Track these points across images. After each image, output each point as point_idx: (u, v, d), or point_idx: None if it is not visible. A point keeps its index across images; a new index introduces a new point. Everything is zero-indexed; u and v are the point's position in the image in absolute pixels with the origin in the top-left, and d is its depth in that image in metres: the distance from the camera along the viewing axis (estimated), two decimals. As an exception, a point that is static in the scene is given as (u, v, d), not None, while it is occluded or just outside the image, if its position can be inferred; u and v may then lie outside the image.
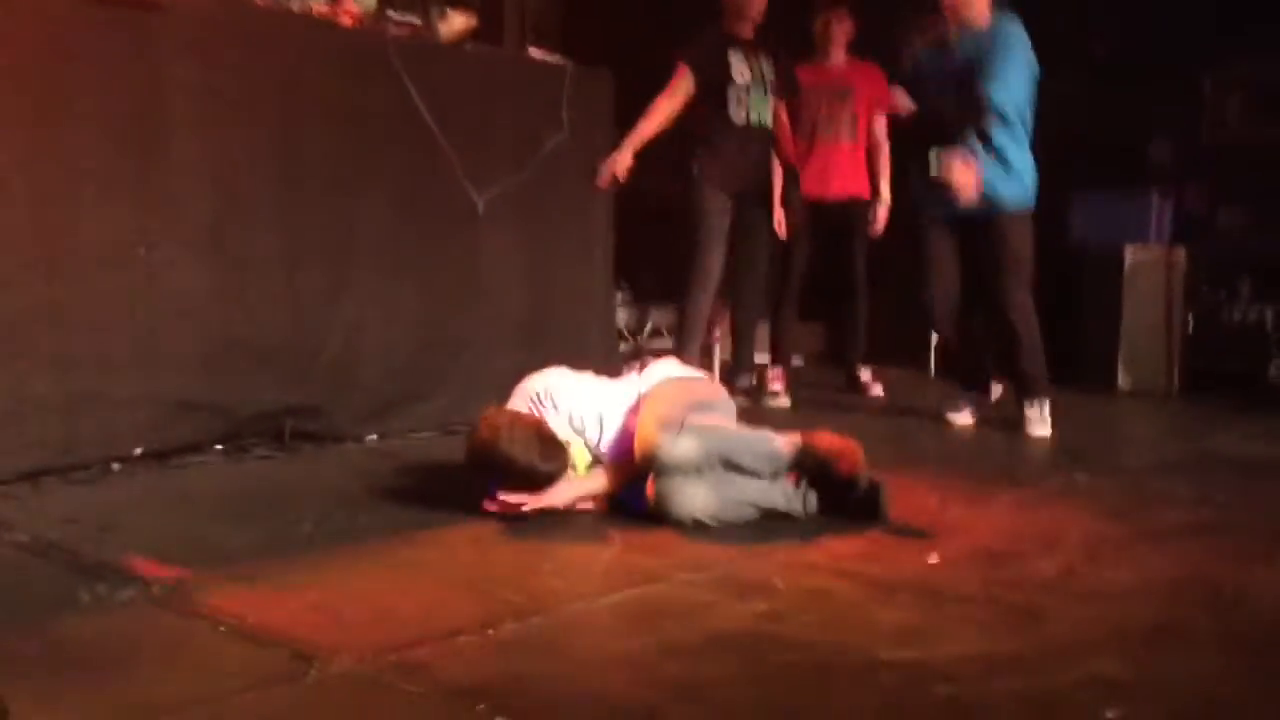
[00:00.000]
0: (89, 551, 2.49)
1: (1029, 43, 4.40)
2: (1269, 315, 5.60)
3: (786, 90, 5.05)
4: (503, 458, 2.80)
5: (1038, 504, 3.26)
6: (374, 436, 3.98)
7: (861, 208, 5.52)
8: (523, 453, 2.80)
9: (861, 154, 5.52)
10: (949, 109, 4.40)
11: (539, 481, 2.85)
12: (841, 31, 5.48)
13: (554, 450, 2.88)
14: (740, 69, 4.82)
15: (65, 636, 2.00)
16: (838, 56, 5.52)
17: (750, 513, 2.90)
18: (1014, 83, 4.33)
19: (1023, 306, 4.49)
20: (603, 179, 4.64)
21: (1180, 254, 5.80)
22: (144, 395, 3.44)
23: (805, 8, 5.57)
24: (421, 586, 2.34)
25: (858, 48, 5.49)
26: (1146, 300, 5.77)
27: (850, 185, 5.50)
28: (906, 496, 3.10)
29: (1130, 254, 5.81)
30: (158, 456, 3.45)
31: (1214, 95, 6.12)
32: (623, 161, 4.62)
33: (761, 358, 5.51)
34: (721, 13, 4.92)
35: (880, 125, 5.52)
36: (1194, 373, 5.70)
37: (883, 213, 5.50)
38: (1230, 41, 5.94)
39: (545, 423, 2.97)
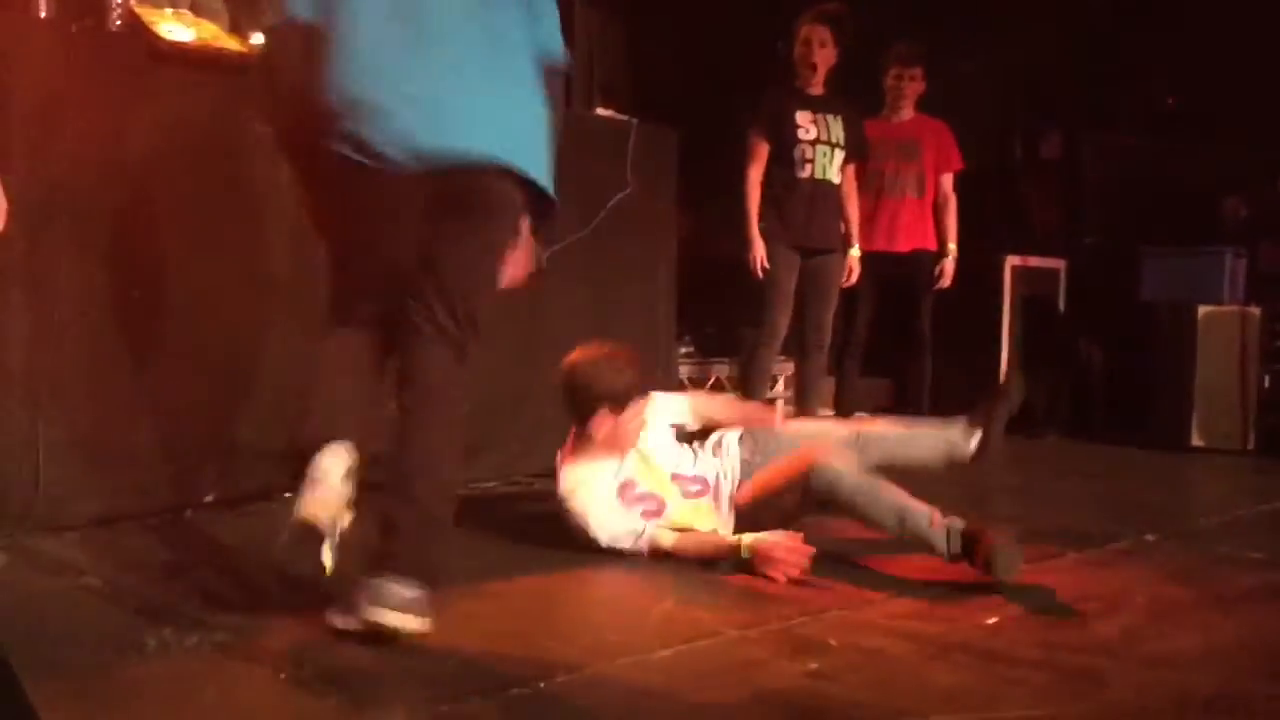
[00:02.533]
0: (157, 597, 2.56)
1: None
2: (1347, 373, 5.47)
3: (856, 152, 5.07)
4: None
5: (1103, 564, 3.21)
6: (438, 486, 4.03)
7: (927, 261, 5.50)
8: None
9: (928, 209, 5.52)
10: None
11: (620, 397, 3.15)
12: (912, 88, 5.49)
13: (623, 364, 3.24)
14: (806, 126, 4.86)
15: (129, 680, 2.06)
16: (907, 112, 5.53)
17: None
18: None
19: None
20: (755, 274, 4.80)
21: (1255, 312, 5.69)
22: (216, 442, 3.53)
23: (878, 62, 5.59)
24: (477, 638, 2.36)
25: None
26: (1220, 358, 5.66)
27: (916, 239, 5.49)
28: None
29: (1203, 311, 5.72)
30: (229, 503, 3.54)
31: (1290, 150, 6.03)
32: (759, 252, 4.78)
33: (826, 412, 5.49)
34: (792, 70, 4.98)
35: (948, 181, 5.52)
36: (1269, 431, 5.57)
37: (950, 266, 5.48)
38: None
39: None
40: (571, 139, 4.47)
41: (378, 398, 2.69)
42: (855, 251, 5.21)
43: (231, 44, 3.60)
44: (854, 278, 5.20)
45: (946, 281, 5.49)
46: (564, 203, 4.34)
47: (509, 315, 4.30)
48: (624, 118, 4.77)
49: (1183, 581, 2.99)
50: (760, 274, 4.82)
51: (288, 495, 3.63)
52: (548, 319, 4.42)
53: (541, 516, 3.64)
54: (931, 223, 5.54)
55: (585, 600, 2.67)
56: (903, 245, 5.46)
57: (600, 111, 4.84)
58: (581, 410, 3.26)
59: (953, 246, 5.49)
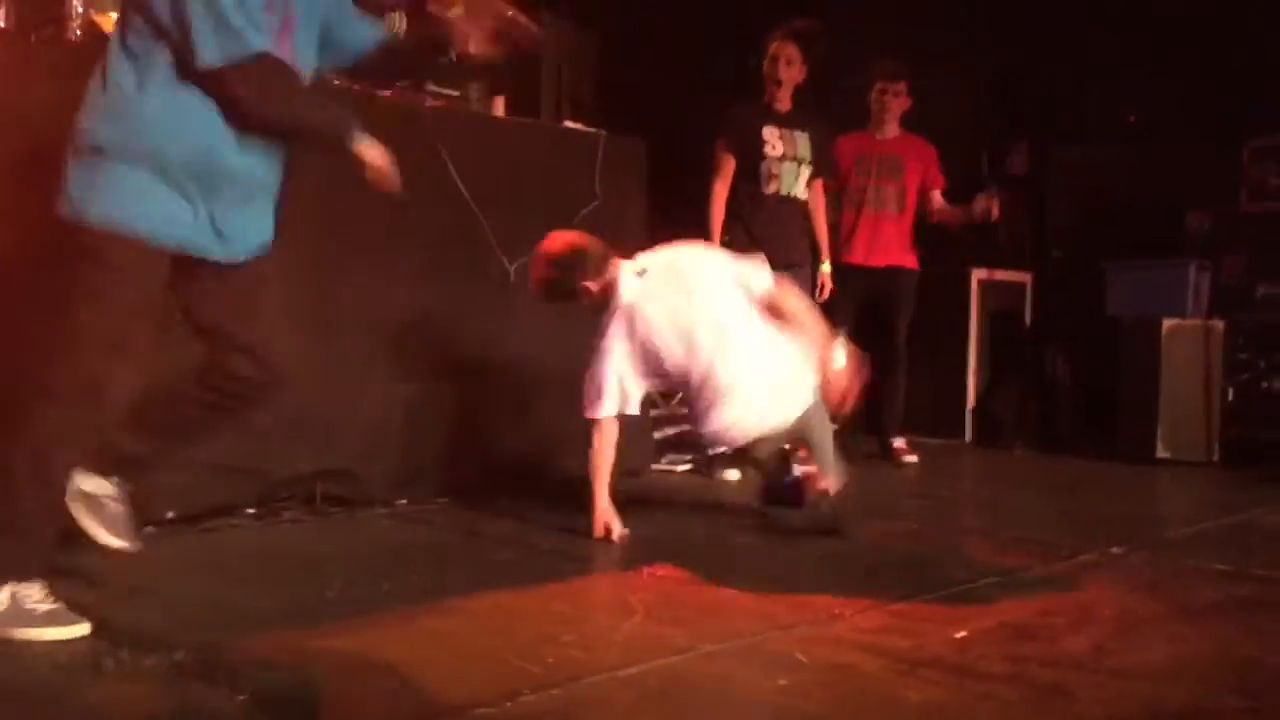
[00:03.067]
0: (115, 616, 2.50)
1: None
2: (1310, 386, 5.52)
3: (823, 169, 5.09)
4: None
5: (1071, 577, 3.20)
6: (404, 501, 3.99)
7: (906, 278, 5.52)
8: None
9: (908, 226, 5.55)
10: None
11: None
12: (897, 104, 5.54)
13: None
14: (773, 142, 4.88)
15: (85, 703, 2.01)
16: (892, 128, 5.58)
17: None
18: None
19: None
20: None
21: (1218, 325, 5.74)
22: (178, 459, 3.46)
23: (856, 78, 5.62)
24: (442, 656, 2.33)
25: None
26: (1184, 370, 5.72)
27: (895, 255, 5.52)
28: (935, 567, 3.06)
29: (1167, 324, 5.77)
30: (190, 520, 3.48)
31: (1252, 164, 6.09)
32: None
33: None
34: (760, 85, 4.99)
35: (938, 198, 5.55)
36: (1233, 443, 5.61)
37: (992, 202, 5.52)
38: (1269, 109, 5.93)
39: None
40: (539, 150, 4.50)
41: None
42: (826, 267, 5.22)
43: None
44: (826, 293, 5.21)
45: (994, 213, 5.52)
46: (532, 214, 4.36)
47: (477, 328, 4.28)
48: (592, 129, 4.76)
49: (1150, 594, 3.00)
50: None
51: (250, 511, 3.62)
52: (515, 332, 4.39)
53: (507, 535, 3.62)
54: (911, 240, 5.57)
55: (550, 617, 2.64)
56: (880, 260, 5.49)
57: (568, 124, 4.83)
58: None
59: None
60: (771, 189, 4.88)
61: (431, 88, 4.26)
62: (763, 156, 4.86)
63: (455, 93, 4.35)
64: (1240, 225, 6.01)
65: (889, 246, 5.52)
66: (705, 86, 6.07)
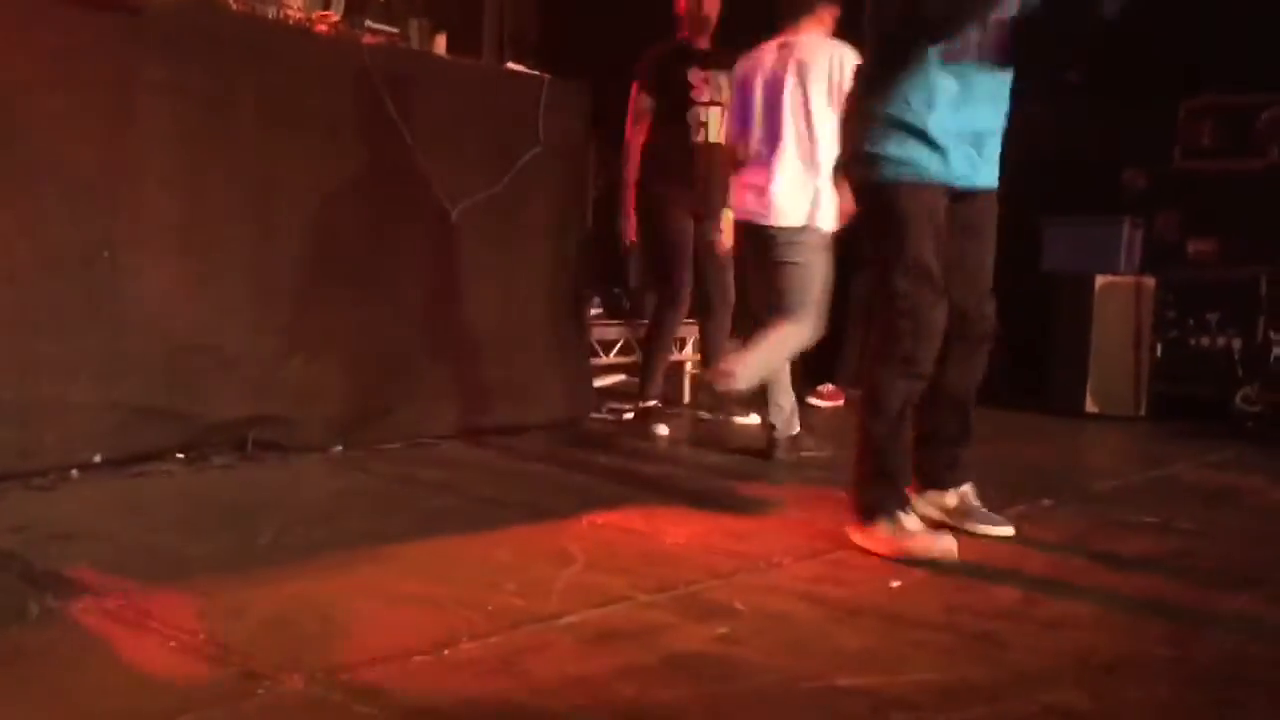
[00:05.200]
0: (42, 561, 2.44)
1: None
2: (1236, 343, 5.63)
3: None
4: None
5: (1002, 529, 3.26)
6: (339, 448, 3.94)
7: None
8: None
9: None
10: None
11: None
12: None
13: None
14: (700, 87, 4.74)
15: (11, 649, 1.96)
16: None
17: None
18: None
19: None
20: (625, 247, 4.90)
21: (1149, 282, 5.84)
22: (105, 401, 3.40)
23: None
24: (378, 603, 2.31)
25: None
26: (1115, 326, 5.80)
27: None
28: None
29: (1100, 280, 5.84)
30: (117, 464, 3.40)
31: (1187, 123, 6.16)
32: (631, 228, 4.80)
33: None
34: (678, 24, 4.82)
35: None
36: (1161, 399, 5.73)
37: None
38: (1204, 69, 5.99)
39: None
40: (481, 91, 4.42)
41: None
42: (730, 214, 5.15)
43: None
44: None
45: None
46: (473, 157, 4.30)
47: (417, 272, 4.22)
48: (535, 72, 4.67)
49: (1079, 546, 3.05)
50: (627, 242, 4.83)
51: (179, 456, 3.54)
52: (456, 276, 4.34)
53: (445, 482, 3.59)
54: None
55: (490, 564, 2.62)
56: None
57: (511, 65, 4.74)
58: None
59: None
60: (700, 137, 4.71)
61: (370, 24, 4.15)
62: (690, 103, 4.70)
63: (395, 29, 4.24)
64: (1173, 183, 6.09)
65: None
66: (650, 27, 5.97)
